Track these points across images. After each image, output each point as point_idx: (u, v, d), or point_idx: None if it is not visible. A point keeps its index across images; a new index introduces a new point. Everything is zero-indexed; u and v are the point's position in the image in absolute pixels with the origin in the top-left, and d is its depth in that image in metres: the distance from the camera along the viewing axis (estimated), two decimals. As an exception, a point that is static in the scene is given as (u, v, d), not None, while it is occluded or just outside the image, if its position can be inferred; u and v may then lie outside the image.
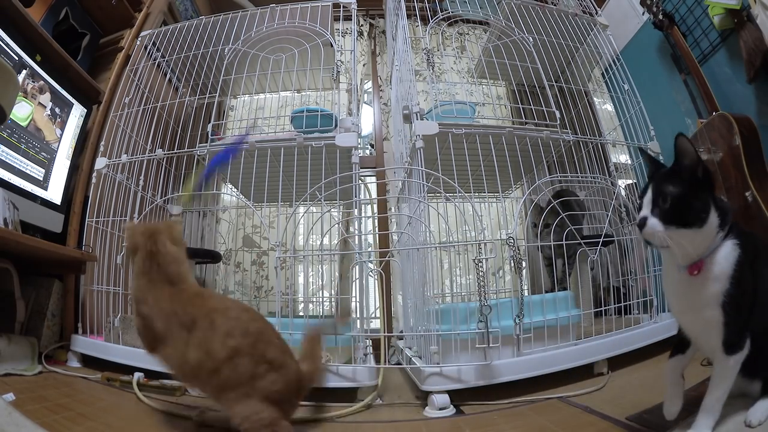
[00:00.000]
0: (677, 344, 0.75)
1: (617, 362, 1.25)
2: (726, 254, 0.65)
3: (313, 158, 1.43)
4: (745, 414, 0.68)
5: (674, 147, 0.67)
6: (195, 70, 1.98)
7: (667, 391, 0.73)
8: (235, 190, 1.88)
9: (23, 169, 1.46)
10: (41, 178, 1.55)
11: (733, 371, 0.66)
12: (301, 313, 2.04)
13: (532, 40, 1.66)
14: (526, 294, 1.50)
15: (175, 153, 1.79)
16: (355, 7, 1.85)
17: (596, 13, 2.02)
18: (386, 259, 1.75)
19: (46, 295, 1.50)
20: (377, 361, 1.33)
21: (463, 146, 1.40)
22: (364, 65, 2.77)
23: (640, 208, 0.68)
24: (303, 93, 2.37)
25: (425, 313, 1.28)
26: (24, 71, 1.48)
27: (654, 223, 0.65)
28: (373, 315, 1.89)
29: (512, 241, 1.21)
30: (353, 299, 1.29)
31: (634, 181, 1.79)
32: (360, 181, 1.47)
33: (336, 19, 1.88)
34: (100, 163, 1.69)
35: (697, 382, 0.86)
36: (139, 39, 1.97)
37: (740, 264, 0.65)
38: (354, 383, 1.16)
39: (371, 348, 1.51)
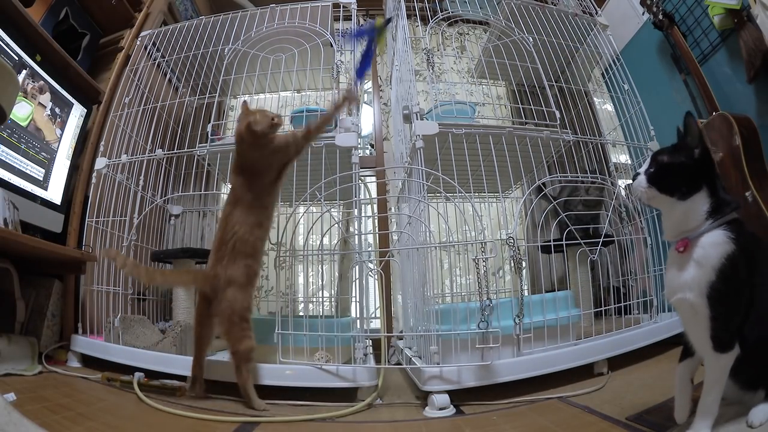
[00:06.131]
0: (685, 347, 0.75)
1: (617, 362, 1.25)
2: (713, 242, 0.66)
3: (313, 158, 1.43)
4: (745, 416, 0.68)
5: (683, 124, 0.72)
6: (195, 70, 1.98)
7: (676, 397, 0.74)
8: (235, 190, 1.87)
9: (23, 169, 1.46)
10: (41, 178, 1.55)
11: (724, 371, 0.66)
12: (301, 313, 2.03)
13: (532, 40, 1.66)
14: (526, 294, 1.50)
15: (175, 153, 1.79)
16: (355, 7, 1.85)
17: (596, 13, 2.02)
18: (386, 259, 1.75)
19: (46, 295, 1.50)
20: (377, 361, 1.33)
21: (463, 146, 1.40)
22: (364, 65, 2.76)
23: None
24: (303, 93, 2.37)
25: (425, 313, 1.28)
26: (24, 71, 1.48)
27: (641, 179, 0.72)
28: (373, 315, 1.89)
29: (512, 241, 1.22)
30: (353, 299, 1.29)
31: (634, 181, 1.79)
32: (360, 181, 1.47)
33: (336, 19, 1.88)
34: (100, 163, 1.69)
35: (696, 383, 0.86)
36: (139, 39, 1.97)
37: (731, 259, 0.64)
38: (354, 383, 1.16)
39: (371, 348, 1.51)
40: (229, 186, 1.87)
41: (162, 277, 1.23)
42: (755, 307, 0.66)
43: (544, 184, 1.49)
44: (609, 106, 2.29)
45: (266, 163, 1.21)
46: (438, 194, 1.28)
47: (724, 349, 0.65)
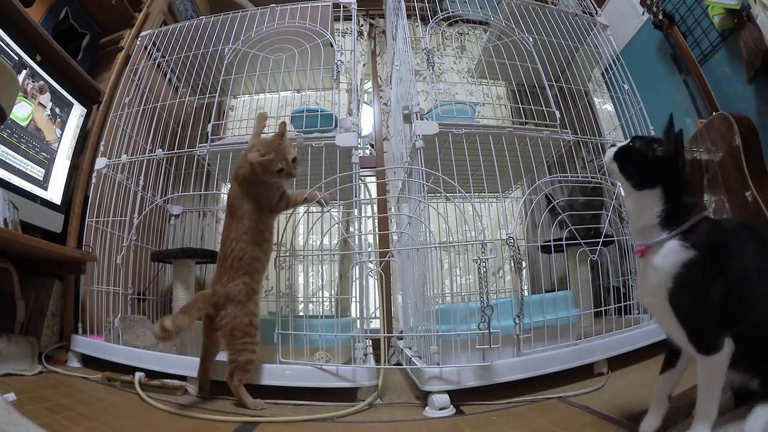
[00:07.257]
0: (667, 356, 0.76)
1: (617, 362, 1.25)
2: (667, 253, 0.68)
3: (313, 158, 1.43)
4: (745, 418, 0.68)
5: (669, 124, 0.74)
6: (195, 70, 1.98)
7: (650, 407, 0.75)
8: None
9: (23, 169, 1.46)
10: (41, 178, 1.55)
11: (715, 373, 0.65)
12: (301, 313, 2.03)
13: (532, 40, 1.66)
14: (526, 294, 1.50)
15: (175, 153, 1.79)
16: (355, 7, 1.85)
17: (596, 13, 2.02)
18: (386, 259, 1.75)
19: (46, 295, 1.50)
20: (377, 361, 1.33)
21: (463, 146, 1.40)
22: (364, 65, 2.76)
23: None
24: (303, 93, 2.37)
25: (425, 313, 1.28)
26: (24, 71, 1.48)
27: (612, 151, 0.78)
28: (373, 315, 1.88)
29: (512, 241, 1.21)
30: (353, 299, 1.29)
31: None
32: (360, 181, 1.47)
33: (336, 19, 1.88)
34: (100, 163, 1.69)
35: (694, 384, 0.85)
36: (139, 39, 1.97)
37: (687, 266, 0.65)
38: (354, 384, 1.16)
39: (371, 348, 1.51)
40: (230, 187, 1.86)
41: (191, 317, 1.14)
42: (739, 299, 0.65)
43: (551, 194, 1.48)
44: (609, 106, 2.29)
45: (262, 188, 1.22)
46: (438, 194, 1.28)
47: (708, 352, 0.65)
